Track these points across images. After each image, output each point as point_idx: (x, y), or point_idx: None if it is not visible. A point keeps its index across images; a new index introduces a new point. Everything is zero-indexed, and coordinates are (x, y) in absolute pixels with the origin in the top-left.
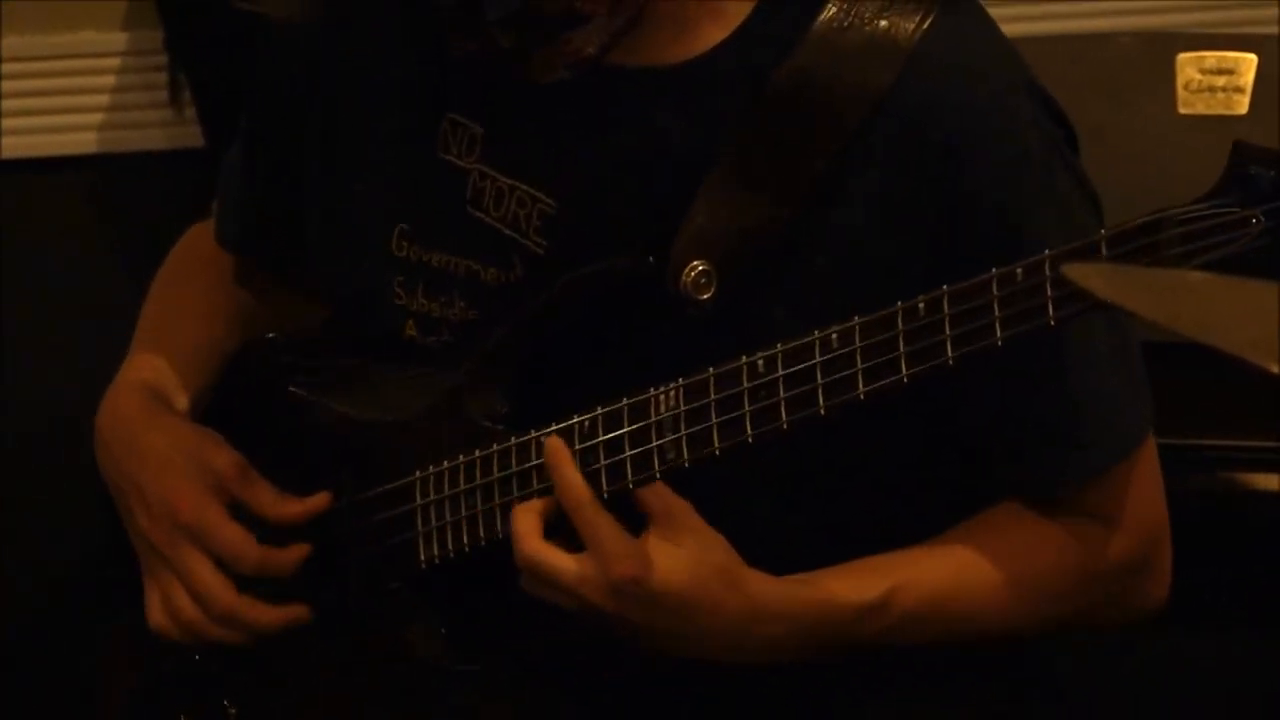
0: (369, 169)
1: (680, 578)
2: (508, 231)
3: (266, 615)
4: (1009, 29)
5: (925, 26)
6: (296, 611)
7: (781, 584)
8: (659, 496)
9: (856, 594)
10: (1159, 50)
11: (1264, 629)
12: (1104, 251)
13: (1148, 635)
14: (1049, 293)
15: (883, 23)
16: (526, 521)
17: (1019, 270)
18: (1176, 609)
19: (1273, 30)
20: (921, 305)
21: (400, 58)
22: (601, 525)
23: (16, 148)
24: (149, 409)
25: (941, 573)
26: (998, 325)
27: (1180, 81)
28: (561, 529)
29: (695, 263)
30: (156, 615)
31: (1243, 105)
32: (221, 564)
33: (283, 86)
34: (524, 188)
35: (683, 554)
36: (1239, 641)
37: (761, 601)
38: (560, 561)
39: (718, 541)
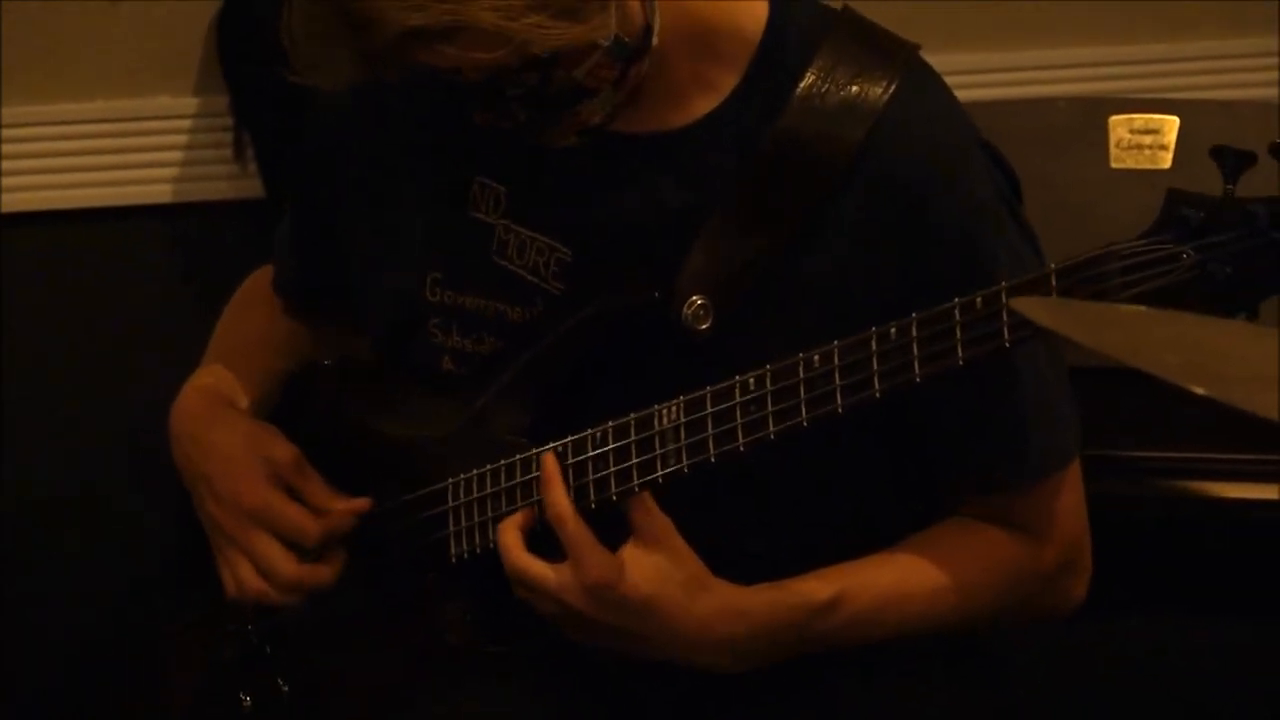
0: (404, 225)
1: (649, 583)
2: (530, 277)
3: (326, 576)
4: (963, 94)
5: (891, 90)
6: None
7: (742, 589)
8: (644, 512)
9: (808, 597)
10: (1093, 113)
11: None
12: (1054, 282)
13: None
14: (1004, 319)
15: (854, 88)
16: (510, 536)
17: (979, 299)
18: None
19: (1192, 95)
20: (893, 330)
21: (430, 127)
22: (580, 537)
23: (100, 198)
24: (214, 407)
25: (888, 578)
26: (959, 348)
27: (1112, 140)
28: (549, 540)
29: (694, 297)
30: (229, 587)
31: (1166, 160)
32: (286, 542)
33: (324, 155)
34: (544, 239)
35: (654, 563)
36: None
37: (725, 604)
38: (542, 570)
39: (689, 554)
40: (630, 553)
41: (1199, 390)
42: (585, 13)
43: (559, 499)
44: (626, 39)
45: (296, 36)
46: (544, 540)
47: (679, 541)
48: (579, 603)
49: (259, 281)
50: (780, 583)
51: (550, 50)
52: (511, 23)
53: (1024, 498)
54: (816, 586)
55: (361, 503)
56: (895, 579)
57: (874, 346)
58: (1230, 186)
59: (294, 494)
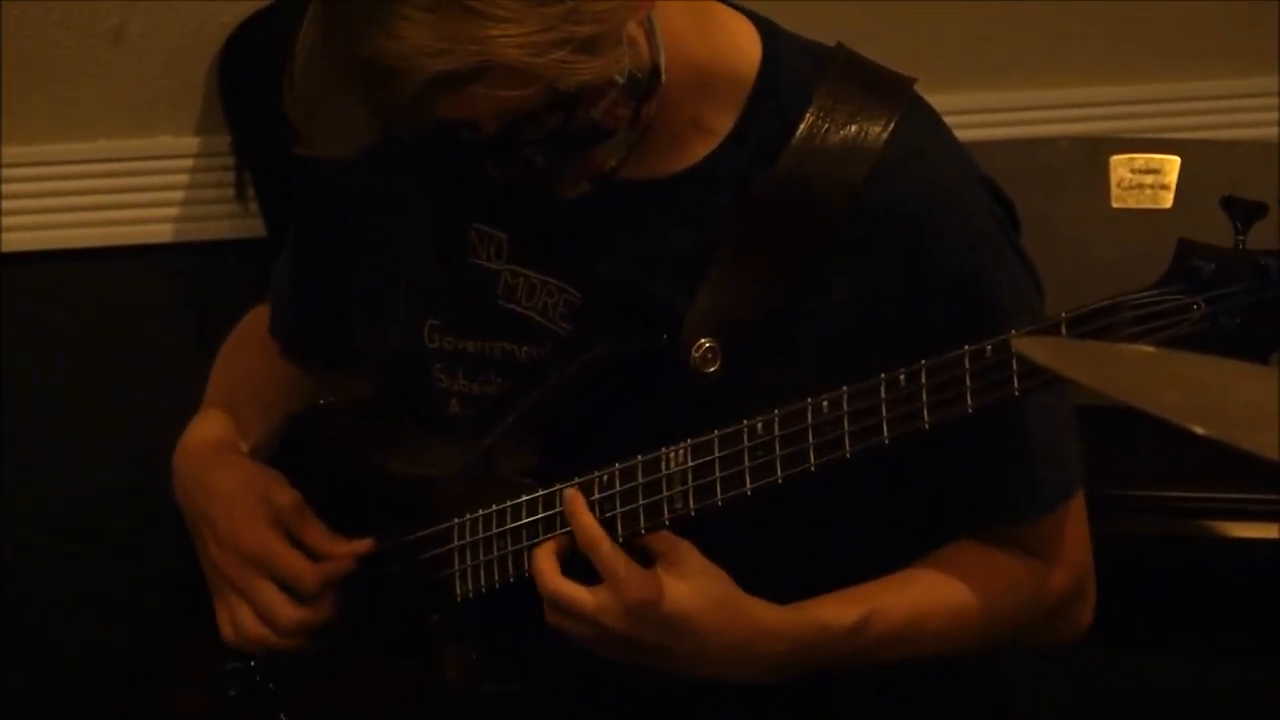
0: (404, 275)
1: (689, 601)
2: (538, 318)
3: (325, 617)
4: (963, 134)
5: (891, 129)
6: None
7: (777, 609)
8: (663, 539)
9: (840, 618)
10: (1094, 152)
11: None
12: (1064, 331)
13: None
14: (1014, 367)
15: (853, 127)
16: (546, 560)
17: (988, 347)
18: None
19: (1193, 135)
20: (902, 377)
21: (429, 177)
22: (616, 559)
23: (102, 237)
24: (217, 449)
25: (910, 599)
26: (969, 395)
27: (1113, 179)
28: (579, 569)
29: (703, 340)
30: (226, 631)
31: (1168, 200)
32: (284, 586)
33: (324, 203)
34: (554, 282)
35: (691, 582)
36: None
37: (763, 624)
38: (579, 593)
39: (719, 574)
40: (663, 574)
41: (1199, 430)
42: (602, 47)
43: (589, 524)
44: (639, 75)
45: (304, 104)
46: (574, 571)
47: (705, 561)
48: (618, 623)
49: (256, 321)
50: (811, 603)
51: (576, 86)
52: (538, 59)
53: (1036, 525)
54: (846, 609)
55: (362, 545)
56: (917, 601)
57: (883, 394)
58: (1241, 238)
59: (294, 539)
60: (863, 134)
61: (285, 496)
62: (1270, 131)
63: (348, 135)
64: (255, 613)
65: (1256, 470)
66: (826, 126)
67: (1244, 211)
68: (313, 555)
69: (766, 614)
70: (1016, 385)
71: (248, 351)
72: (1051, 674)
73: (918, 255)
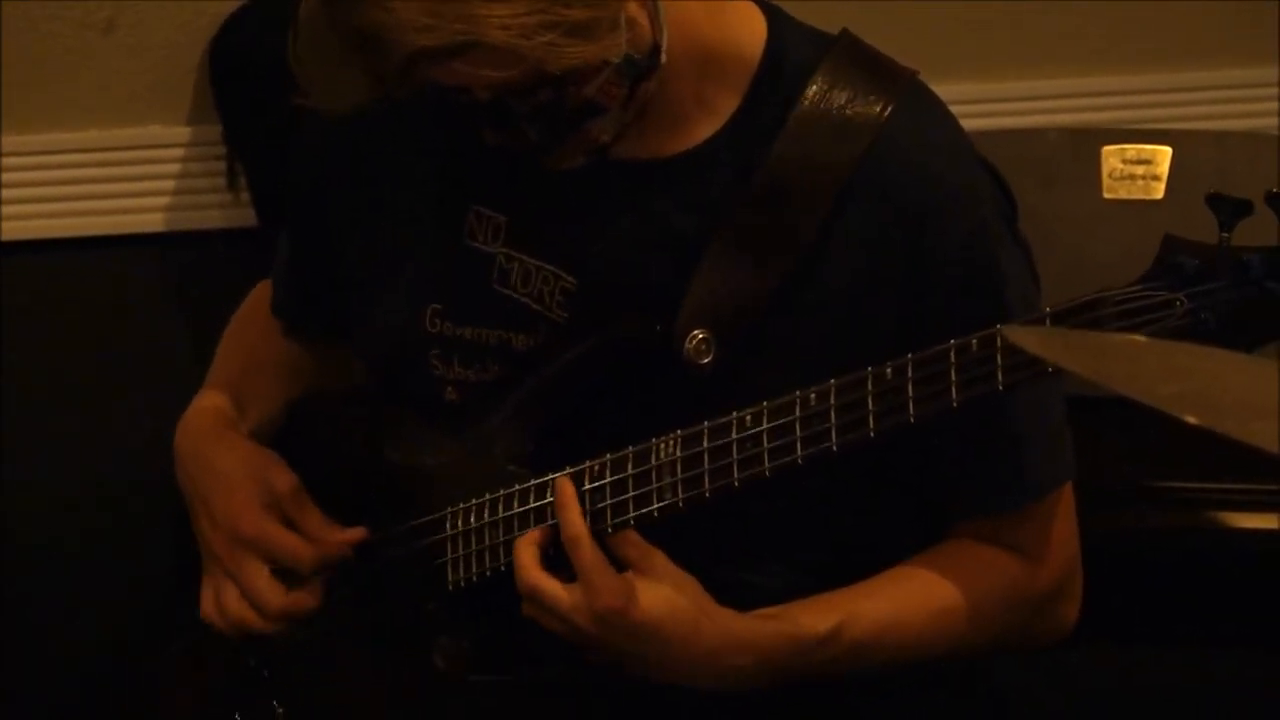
0: (401, 255)
1: (658, 611)
2: (534, 305)
3: (310, 603)
4: None
5: (887, 113)
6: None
7: (747, 619)
8: (635, 545)
9: (811, 626)
10: (1086, 143)
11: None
12: (1049, 325)
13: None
14: (999, 361)
15: (850, 110)
16: (527, 554)
17: (974, 341)
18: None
19: (1185, 125)
20: (889, 370)
21: (428, 155)
22: (594, 561)
23: (94, 227)
24: (219, 428)
25: (886, 604)
26: (954, 389)
27: (1105, 170)
28: (561, 561)
29: (696, 331)
30: (207, 608)
31: (1159, 191)
32: (280, 569)
33: (313, 188)
34: (549, 268)
35: (661, 591)
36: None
37: (731, 634)
38: (555, 590)
39: (690, 582)
40: (636, 580)
41: (1192, 420)
42: (597, 31)
43: (575, 521)
44: (636, 56)
45: (305, 61)
46: (555, 562)
47: (678, 570)
48: (588, 625)
49: (262, 296)
50: (783, 611)
51: (564, 69)
52: (525, 41)
53: (1022, 519)
54: (818, 617)
55: (357, 533)
56: (895, 605)
57: (869, 387)
58: (1225, 235)
59: (290, 524)
60: (859, 116)
61: (283, 481)
62: (1270, 123)
63: (346, 94)
64: (242, 595)
65: (1255, 460)
66: (822, 110)
67: (1229, 208)
68: (308, 539)
69: (733, 624)
70: (1001, 379)
71: (252, 329)
72: (1049, 669)
73: (920, 244)
